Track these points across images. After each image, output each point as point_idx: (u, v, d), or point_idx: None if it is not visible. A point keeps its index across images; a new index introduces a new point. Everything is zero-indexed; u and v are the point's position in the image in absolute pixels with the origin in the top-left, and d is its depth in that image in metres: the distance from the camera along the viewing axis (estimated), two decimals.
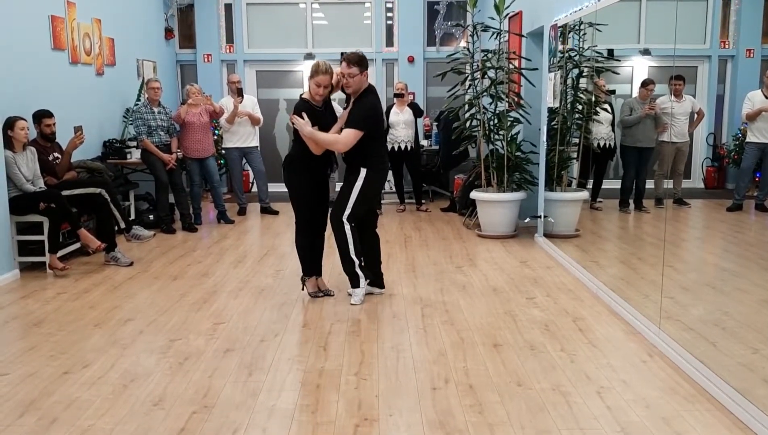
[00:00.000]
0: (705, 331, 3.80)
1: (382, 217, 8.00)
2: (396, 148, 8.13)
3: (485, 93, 6.90)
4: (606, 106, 6.16)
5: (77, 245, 5.94)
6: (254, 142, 8.10)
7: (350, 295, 4.64)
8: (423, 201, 8.60)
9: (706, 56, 5.32)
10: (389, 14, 10.04)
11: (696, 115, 5.20)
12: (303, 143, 4.43)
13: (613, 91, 6.04)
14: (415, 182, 8.50)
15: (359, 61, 4.35)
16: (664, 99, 5.33)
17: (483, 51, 6.99)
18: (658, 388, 3.21)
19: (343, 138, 4.35)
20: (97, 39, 7.37)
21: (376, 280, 4.77)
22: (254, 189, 8.88)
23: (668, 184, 5.21)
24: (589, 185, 6.42)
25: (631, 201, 5.76)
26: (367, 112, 4.39)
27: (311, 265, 4.73)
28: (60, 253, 5.58)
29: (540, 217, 6.49)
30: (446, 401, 3.11)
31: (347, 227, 4.46)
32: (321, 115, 4.46)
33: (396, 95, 8.19)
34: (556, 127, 6.28)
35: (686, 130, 5.19)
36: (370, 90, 4.48)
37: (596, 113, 6.20)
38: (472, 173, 7.81)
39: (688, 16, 4.86)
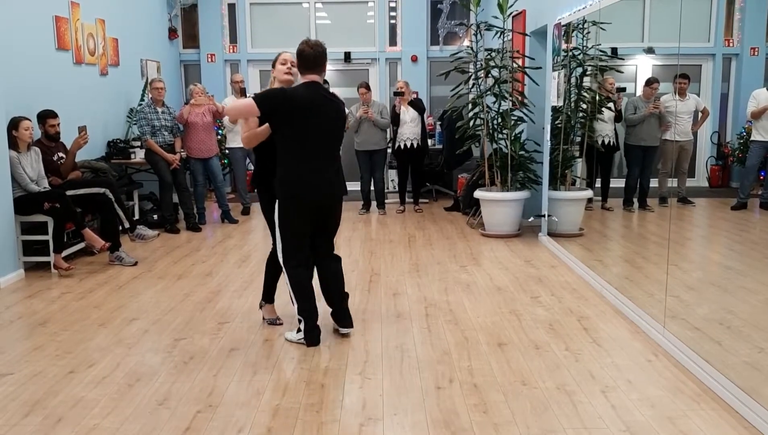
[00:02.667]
0: (710, 330, 3.79)
1: (385, 217, 8.01)
2: (402, 147, 8.13)
3: (489, 92, 6.90)
4: (610, 104, 6.15)
5: (82, 245, 5.95)
6: None
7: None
8: (420, 201, 8.59)
9: (711, 54, 5.31)
10: (392, 13, 10.04)
11: (701, 114, 5.19)
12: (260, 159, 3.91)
13: (623, 89, 6.00)
14: (415, 182, 8.48)
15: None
16: (667, 97, 5.32)
17: (486, 50, 6.99)
18: (663, 388, 3.21)
19: (234, 103, 3.77)
20: (101, 39, 7.38)
21: (339, 317, 3.98)
22: None
23: (672, 182, 5.20)
24: (597, 184, 6.41)
25: (635, 200, 5.75)
26: (271, 90, 3.74)
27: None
28: (64, 253, 5.60)
29: (544, 216, 6.48)
30: (451, 401, 3.11)
31: (286, 274, 3.82)
32: None
33: (396, 93, 8.18)
34: (559, 125, 6.28)
35: (689, 128, 5.18)
36: (303, 84, 3.78)
37: (600, 111, 6.19)
38: (475, 172, 7.81)
39: (692, 15, 4.85)
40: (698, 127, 5.18)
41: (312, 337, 3.82)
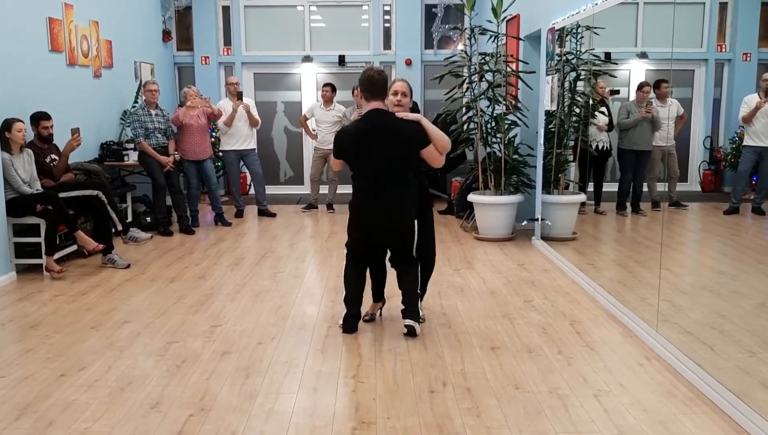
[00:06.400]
0: (702, 335, 3.81)
1: None
2: None
3: (483, 96, 6.91)
4: (603, 108, 6.18)
5: (74, 247, 5.92)
6: (252, 144, 8.10)
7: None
8: None
9: (703, 60, 5.34)
10: (387, 17, 10.06)
11: (679, 120, 5.22)
12: None
13: (617, 91, 6.03)
14: None
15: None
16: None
17: (480, 54, 7.00)
18: (656, 392, 3.21)
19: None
20: (95, 41, 7.36)
21: (405, 311, 4.06)
22: (251, 191, 8.88)
23: (665, 187, 5.23)
24: (590, 189, 6.43)
25: (628, 204, 5.77)
26: (336, 134, 4.11)
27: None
28: (57, 255, 5.56)
29: (537, 219, 6.49)
30: (444, 404, 3.10)
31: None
32: None
33: None
34: (553, 130, 6.29)
35: (672, 133, 5.21)
36: (367, 112, 3.94)
37: (593, 115, 6.21)
38: (469, 176, 7.82)
39: (685, 20, 4.88)
40: (676, 132, 5.22)
41: (347, 325, 4.10)
